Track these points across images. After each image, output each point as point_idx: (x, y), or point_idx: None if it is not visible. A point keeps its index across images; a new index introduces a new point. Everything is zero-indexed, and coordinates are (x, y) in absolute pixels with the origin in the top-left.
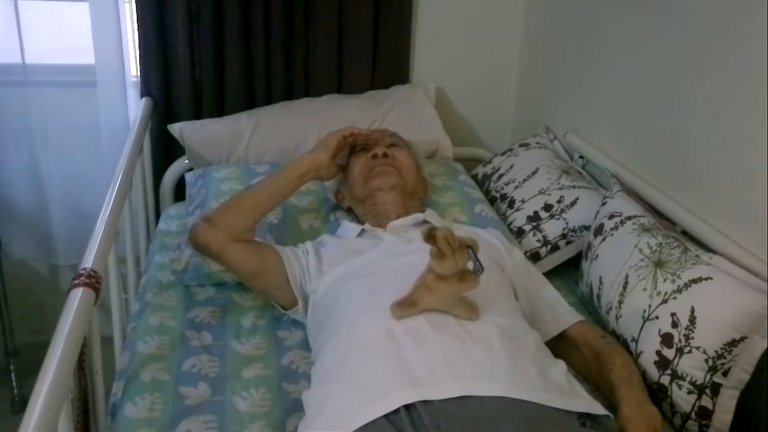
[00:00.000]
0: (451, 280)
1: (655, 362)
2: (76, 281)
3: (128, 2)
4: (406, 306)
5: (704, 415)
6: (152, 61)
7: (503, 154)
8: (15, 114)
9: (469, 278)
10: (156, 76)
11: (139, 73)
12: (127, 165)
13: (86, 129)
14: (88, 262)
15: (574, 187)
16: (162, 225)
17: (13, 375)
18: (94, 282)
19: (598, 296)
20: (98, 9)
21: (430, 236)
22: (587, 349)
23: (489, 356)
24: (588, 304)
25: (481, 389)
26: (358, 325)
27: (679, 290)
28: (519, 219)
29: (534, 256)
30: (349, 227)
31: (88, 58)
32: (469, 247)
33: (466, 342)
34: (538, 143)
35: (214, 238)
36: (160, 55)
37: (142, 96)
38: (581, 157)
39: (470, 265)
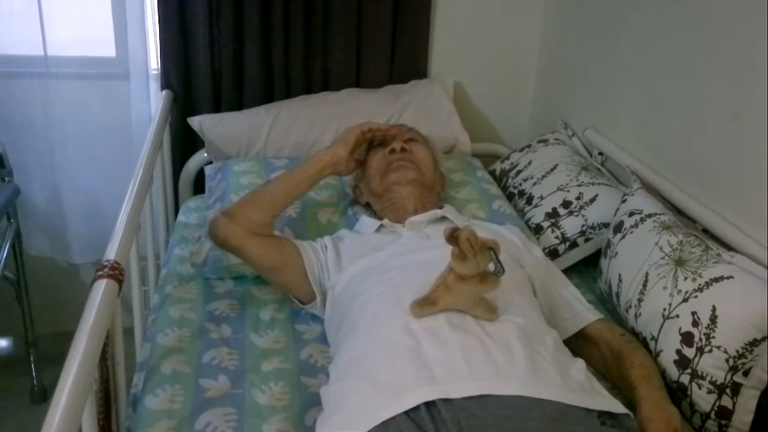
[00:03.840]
0: (472, 280)
1: (675, 361)
2: (100, 273)
3: None
4: (426, 305)
5: (724, 415)
6: (172, 54)
7: (521, 150)
8: (36, 106)
9: (490, 279)
10: (176, 69)
11: (159, 66)
12: (148, 158)
13: (106, 121)
14: (111, 254)
15: (593, 183)
16: (181, 217)
17: (32, 365)
18: (117, 274)
19: (617, 294)
20: (120, 1)
21: (453, 237)
22: (606, 348)
23: (508, 356)
24: (607, 302)
25: (500, 388)
26: (377, 322)
27: (699, 289)
28: (537, 215)
29: (552, 253)
30: (367, 222)
31: (106, 50)
32: (491, 249)
33: (485, 342)
34: (556, 139)
35: (233, 232)
36: (180, 48)
37: (162, 89)
38: (600, 153)
39: (491, 267)
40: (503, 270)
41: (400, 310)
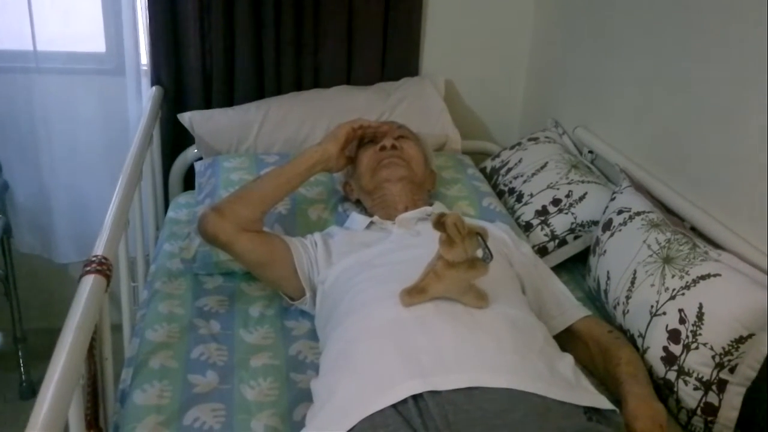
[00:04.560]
0: (461, 267)
1: (662, 358)
2: (88, 268)
3: None
4: (415, 293)
5: (710, 411)
6: (162, 50)
7: (512, 148)
8: (25, 102)
9: (479, 265)
10: (166, 65)
11: (149, 62)
12: (138, 154)
13: (95, 117)
14: (99, 249)
15: (582, 182)
16: (171, 214)
17: (21, 361)
18: (105, 269)
19: (606, 291)
20: None
21: (440, 223)
22: (594, 344)
23: (497, 346)
24: (595, 299)
25: (489, 380)
26: (365, 313)
27: (687, 286)
28: (527, 213)
29: (541, 251)
30: (357, 219)
31: (95, 45)
32: (479, 234)
33: (475, 331)
34: (547, 137)
35: (223, 228)
36: (170, 44)
37: (152, 85)
38: (590, 152)
39: (479, 253)
40: (491, 256)
41: (389, 301)
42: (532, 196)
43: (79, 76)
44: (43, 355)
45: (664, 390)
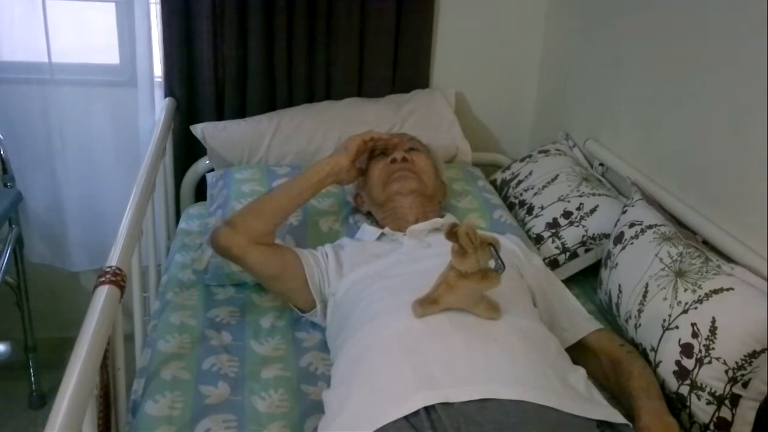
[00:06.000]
0: (473, 277)
1: (675, 372)
2: (102, 279)
3: (154, 3)
4: (427, 304)
5: (723, 426)
6: (176, 62)
7: (522, 160)
8: (40, 113)
9: (491, 276)
10: (179, 77)
11: (162, 74)
12: (151, 165)
13: (109, 129)
14: (113, 260)
15: (593, 194)
16: (183, 224)
17: (31, 371)
18: (120, 280)
19: (617, 305)
20: (124, 9)
21: (452, 233)
22: (605, 358)
23: (510, 358)
24: (606, 313)
25: (501, 392)
26: (377, 324)
27: (699, 300)
28: (538, 225)
29: (552, 263)
30: (368, 231)
31: (109, 57)
32: (491, 245)
33: (488, 342)
34: (557, 150)
35: (235, 242)
36: (183, 56)
37: (165, 96)
38: (601, 164)
39: (492, 263)
40: (504, 266)
41: (401, 312)
42: (542, 208)
43: (94, 87)
44: (53, 364)
45: (676, 404)
